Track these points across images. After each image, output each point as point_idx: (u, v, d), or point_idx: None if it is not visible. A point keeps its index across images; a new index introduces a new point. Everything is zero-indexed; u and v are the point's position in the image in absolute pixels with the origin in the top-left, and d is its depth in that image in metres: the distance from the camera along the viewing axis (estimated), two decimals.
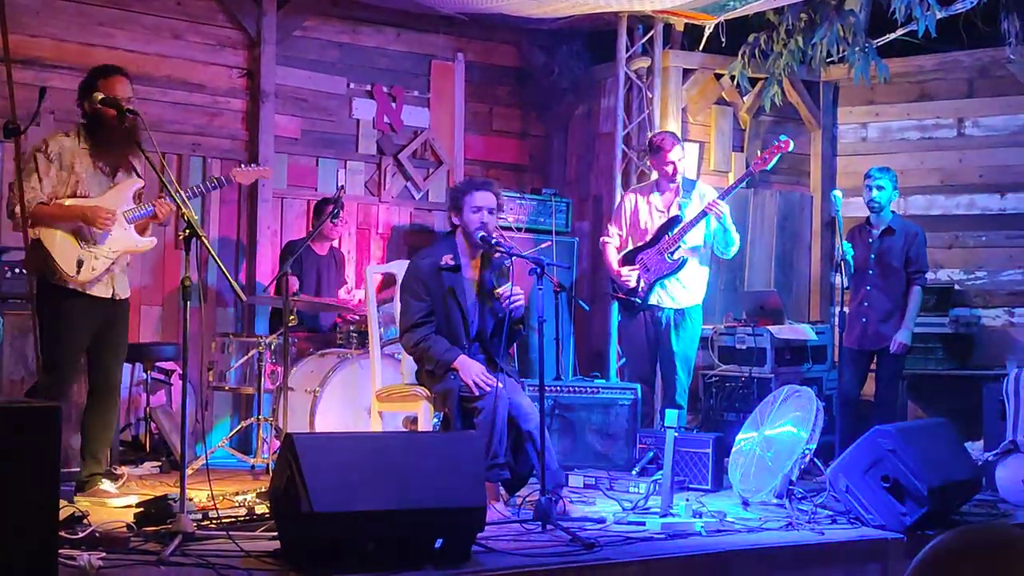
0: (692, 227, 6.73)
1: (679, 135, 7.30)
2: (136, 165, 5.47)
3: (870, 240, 7.01)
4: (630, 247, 6.93)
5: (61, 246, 5.20)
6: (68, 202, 5.23)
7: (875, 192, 6.93)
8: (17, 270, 6.22)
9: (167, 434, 6.75)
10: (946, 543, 1.48)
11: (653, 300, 6.82)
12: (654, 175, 7.16)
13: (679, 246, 6.75)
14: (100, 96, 5.14)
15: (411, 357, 5.71)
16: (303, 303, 7.08)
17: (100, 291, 5.35)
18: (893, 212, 7.09)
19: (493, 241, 5.48)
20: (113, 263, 5.36)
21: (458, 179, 8.37)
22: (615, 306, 7.84)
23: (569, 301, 7.77)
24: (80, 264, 5.22)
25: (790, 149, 6.77)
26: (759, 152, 6.94)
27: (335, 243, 7.80)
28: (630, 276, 6.82)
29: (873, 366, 7.12)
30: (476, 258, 5.60)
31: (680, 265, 6.75)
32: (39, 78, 6.97)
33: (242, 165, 5.96)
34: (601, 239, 7.17)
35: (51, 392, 5.19)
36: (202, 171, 7.74)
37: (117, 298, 5.44)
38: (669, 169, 6.82)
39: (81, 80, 5.40)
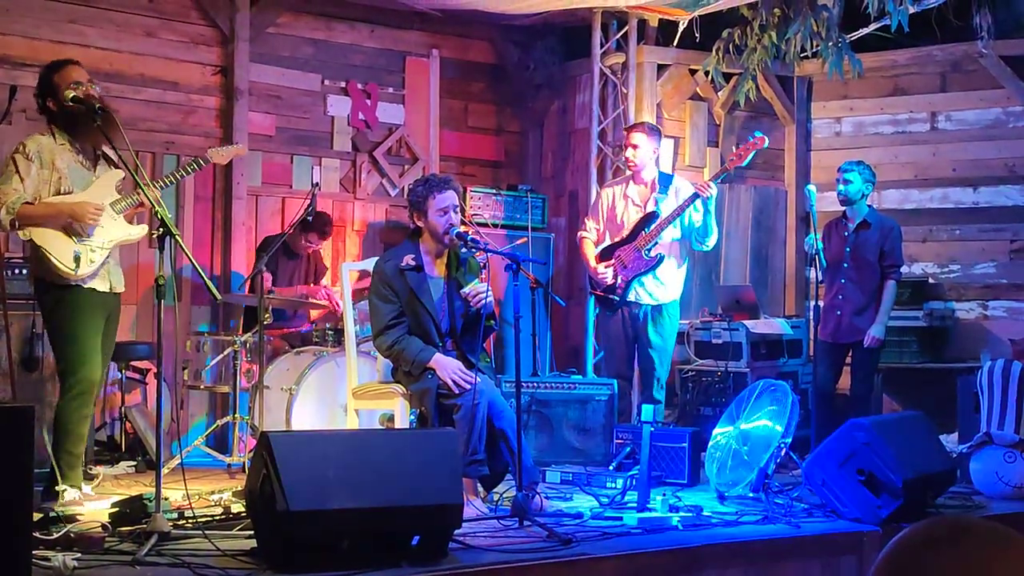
0: (670, 223, 6.73)
1: (659, 128, 7.27)
2: (112, 156, 5.42)
3: (845, 234, 7.05)
4: (607, 242, 6.93)
5: (55, 242, 5.14)
6: (54, 199, 5.18)
7: (840, 186, 6.98)
8: None
9: (142, 433, 6.72)
10: (912, 534, 1.49)
11: (631, 296, 6.82)
12: None
13: (656, 242, 6.75)
14: (71, 94, 5.09)
15: (387, 360, 5.70)
16: (278, 300, 7.06)
17: (99, 284, 5.29)
18: (870, 206, 7.12)
19: (469, 238, 5.48)
20: (108, 255, 5.32)
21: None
22: (591, 301, 7.86)
23: (545, 297, 7.77)
24: (77, 258, 5.16)
25: (765, 145, 6.79)
26: (734, 148, 6.95)
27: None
28: (607, 272, 6.81)
29: (848, 360, 7.15)
30: (442, 256, 5.59)
31: (658, 262, 6.75)
32: (10, 76, 6.94)
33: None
34: (578, 233, 7.17)
35: (83, 393, 5.19)
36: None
37: (114, 291, 5.40)
38: (628, 153, 6.84)
39: (40, 80, 5.30)
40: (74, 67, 5.27)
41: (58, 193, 5.21)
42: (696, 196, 6.65)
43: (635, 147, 6.81)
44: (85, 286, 5.23)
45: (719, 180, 7.01)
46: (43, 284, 5.22)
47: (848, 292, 7.02)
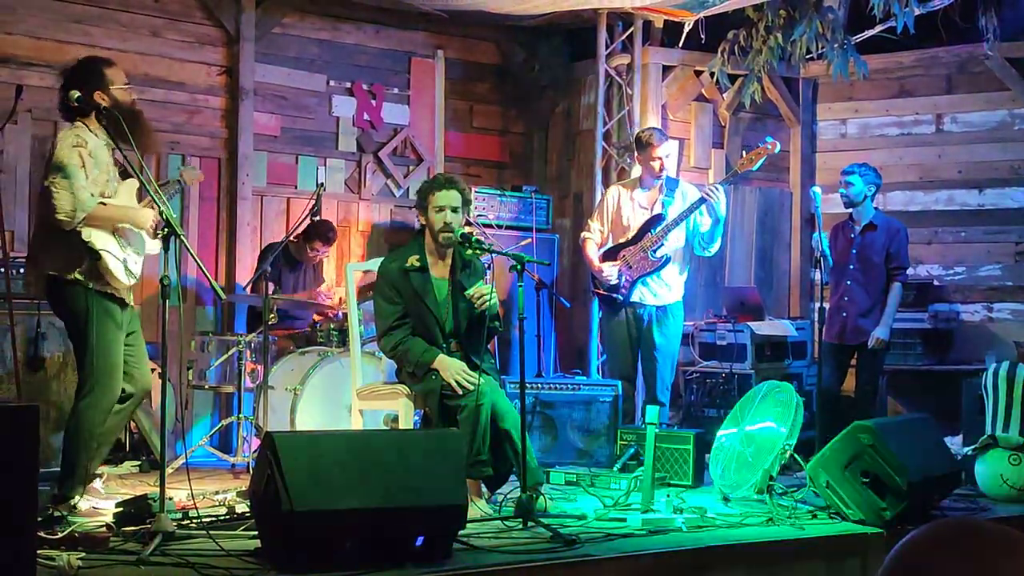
0: (676, 225, 6.72)
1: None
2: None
3: (852, 235, 7.04)
4: (611, 243, 6.93)
5: (112, 248, 4.99)
6: (114, 203, 5.03)
7: (843, 188, 6.99)
8: None
9: (147, 433, 6.72)
10: (918, 536, 1.49)
11: (635, 297, 6.81)
12: (635, 171, 7.16)
13: (662, 244, 6.75)
14: (76, 94, 4.88)
15: (391, 360, 5.70)
16: (282, 301, 7.07)
17: (127, 296, 5.16)
18: (876, 208, 7.12)
19: (473, 239, 5.47)
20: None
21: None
22: (596, 303, 7.85)
23: (550, 298, 7.77)
24: (127, 267, 5.05)
25: (776, 151, 6.79)
26: (744, 152, 6.95)
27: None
28: (611, 272, 6.81)
29: (853, 361, 7.14)
30: (445, 257, 5.59)
31: (663, 263, 6.75)
32: (15, 76, 6.93)
33: (186, 162, 5.82)
34: (581, 234, 7.16)
35: (110, 407, 5.08)
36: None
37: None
38: (656, 165, 6.81)
39: (83, 71, 5.07)
40: (120, 69, 5.16)
41: (102, 196, 5.02)
42: (703, 200, 6.64)
43: (667, 157, 6.85)
44: (120, 296, 5.08)
45: (727, 184, 7.02)
46: (79, 286, 4.97)
47: (854, 294, 7.01)
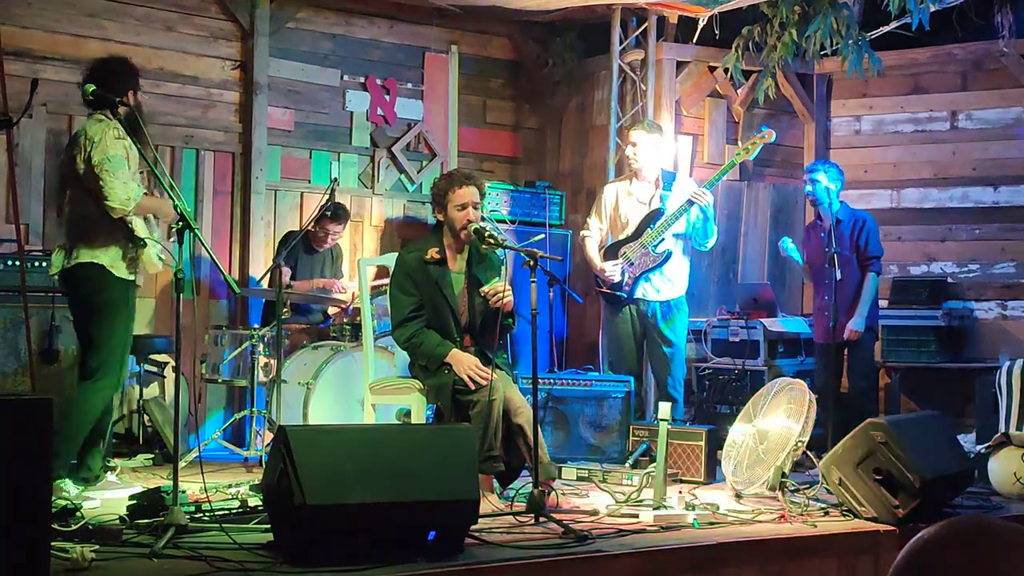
0: (675, 220, 6.73)
1: (660, 125, 7.27)
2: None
3: (822, 235, 7.04)
4: (610, 241, 6.94)
5: (145, 236, 5.22)
6: (147, 195, 5.25)
7: (807, 186, 7.01)
8: (11, 262, 6.19)
9: (160, 426, 6.74)
10: (931, 534, 1.49)
11: (638, 293, 6.82)
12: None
13: (662, 239, 6.75)
14: (91, 88, 5.05)
15: (404, 354, 5.71)
16: (296, 295, 7.08)
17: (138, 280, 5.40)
18: (842, 202, 7.11)
19: (487, 235, 5.48)
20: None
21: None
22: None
23: (562, 294, 7.77)
24: (159, 255, 5.28)
25: (772, 139, 6.80)
26: (741, 143, 6.97)
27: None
28: (614, 271, 6.81)
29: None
30: (463, 252, 5.60)
31: (665, 258, 6.76)
32: (31, 70, 6.96)
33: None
34: (580, 234, 7.17)
35: (112, 396, 5.24)
36: (195, 164, 7.73)
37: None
38: (628, 152, 6.86)
39: (119, 70, 5.27)
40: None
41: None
42: (691, 203, 6.67)
43: (634, 144, 6.84)
44: (136, 283, 5.29)
45: (725, 174, 7.06)
46: (114, 274, 5.18)
47: (833, 293, 6.98)
